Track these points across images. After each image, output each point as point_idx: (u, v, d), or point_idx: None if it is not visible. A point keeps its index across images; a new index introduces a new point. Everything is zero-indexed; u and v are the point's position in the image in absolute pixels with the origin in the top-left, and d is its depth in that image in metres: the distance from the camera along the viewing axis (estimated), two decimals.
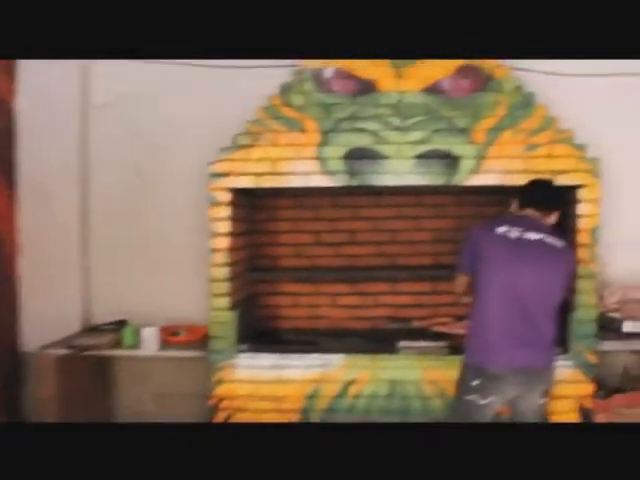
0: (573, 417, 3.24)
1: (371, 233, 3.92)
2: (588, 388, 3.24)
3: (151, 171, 3.93)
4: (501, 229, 2.70)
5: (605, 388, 3.52)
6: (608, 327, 3.45)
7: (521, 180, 3.08)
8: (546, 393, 2.76)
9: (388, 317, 3.90)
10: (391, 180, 3.20)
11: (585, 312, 3.22)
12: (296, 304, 3.98)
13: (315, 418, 3.28)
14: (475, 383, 2.65)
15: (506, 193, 3.20)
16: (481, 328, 2.71)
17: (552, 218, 2.84)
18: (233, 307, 3.36)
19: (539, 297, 2.67)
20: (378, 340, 3.55)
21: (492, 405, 2.66)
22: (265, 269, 3.95)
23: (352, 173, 3.19)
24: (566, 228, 3.29)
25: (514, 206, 2.89)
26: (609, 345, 3.35)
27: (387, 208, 3.90)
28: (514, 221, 2.76)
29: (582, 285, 3.21)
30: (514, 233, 2.68)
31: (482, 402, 2.64)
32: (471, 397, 2.66)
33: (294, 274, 3.88)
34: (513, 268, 2.65)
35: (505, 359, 2.64)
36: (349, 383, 3.26)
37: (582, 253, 3.19)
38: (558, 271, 2.72)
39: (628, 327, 3.41)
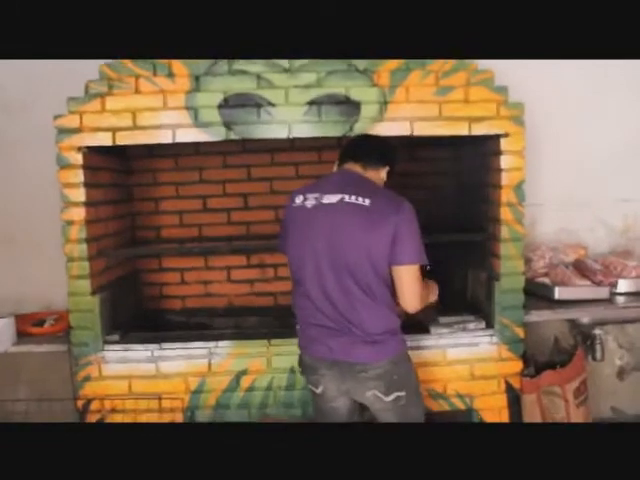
0: (499, 399, 2.91)
1: (267, 196, 3.48)
2: (515, 366, 2.90)
3: (2, 133, 3.33)
4: (298, 200, 2.31)
5: (534, 364, 3.19)
6: (537, 295, 3.14)
7: (433, 129, 2.66)
8: (395, 389, 2.25)
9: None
10: (279, 132, 2.68)
11: (510, 280, 2.84)
12: (184, 281, 3.53)
13: (202, 417, 2.82)
14: (301, 371, 2.47)
15: (416, 144, 2.78)
16: (298, 314, 2.40)
17: (380, 174, 2.42)
18: (100, 290, 2.82)
19: (349, 273, 2.19)
20: (279, 320, 3.13)
21: (327, 394, 2.36)
22: (146, 242, 3.45)
23: (230, 125, 2.64)
24: (487, 184, 2.89)
25: (335, 165, 2.49)
26: (538, 315, 3.00)
27: (284, 167, 3.45)
28: (314, 187, 2.34)
29: (506, 250, 2.81)
30: (310, 201, 2.27)
31: (317, 391, 2.38)
32: (310, 386, 2.42)
33: (179, 246, 3.37)
34: (312, 244, 2.23)
35: (315, 350, 2.33)
36: (240, 374, 2.81)
37: (505, 213, 2.78)
38: (371, 236, 2.17)
39: (560, 294, 3.08)
